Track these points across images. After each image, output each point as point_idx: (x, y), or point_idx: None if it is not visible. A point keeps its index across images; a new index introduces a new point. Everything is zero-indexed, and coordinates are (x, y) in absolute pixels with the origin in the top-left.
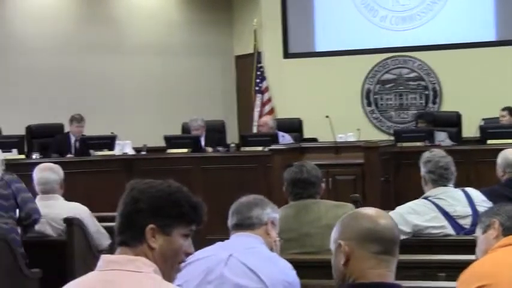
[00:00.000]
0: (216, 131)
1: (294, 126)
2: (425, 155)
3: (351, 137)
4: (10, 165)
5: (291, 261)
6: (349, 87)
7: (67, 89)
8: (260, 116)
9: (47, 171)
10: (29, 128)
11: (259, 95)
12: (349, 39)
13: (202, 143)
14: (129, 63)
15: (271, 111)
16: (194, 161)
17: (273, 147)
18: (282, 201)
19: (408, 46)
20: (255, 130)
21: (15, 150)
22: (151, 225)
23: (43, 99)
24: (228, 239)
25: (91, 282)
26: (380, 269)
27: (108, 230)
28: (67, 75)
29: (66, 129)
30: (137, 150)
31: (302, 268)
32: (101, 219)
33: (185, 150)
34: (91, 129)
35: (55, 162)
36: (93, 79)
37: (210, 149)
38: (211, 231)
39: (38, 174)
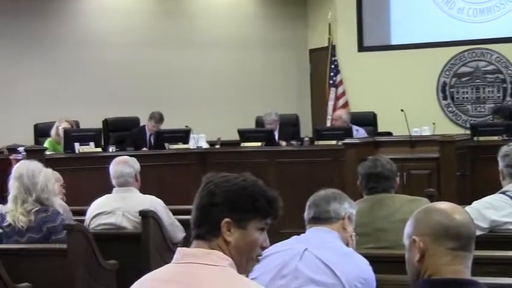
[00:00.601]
0: (289, 125)
1: (368, 120)
2: (504, 149)
3: (426, 131)
4: (87, 158)
5: (365, 256)
6: (425, 81)
7: (142, 83)
8: (334, 109)
9: (122, 165)
10: (105, 122)
11: (333, 89)
12: (425, 32)
13: (276, 136)
14: (203, 58)
15: (345, 105)
16: (268, 155)
17: (347, 141)
18: (355, 196)
19: (486, 38)
20: (328, 124)
21: (92, 144)
22: (226, 219)
23: (119, 94)
24: (301, 232)
25: (169, 274)
26: (455, 265)
27: (183, 222)
28: (143, 69)
29: (142, 122)
30: (211, 143)
31: (376, 263)
32: (175, 212)
33: (259, 143)
34: (166, 123)
35: (131, 156)
36: (168, 73)
37: (283, 143)
38: (284, 224)
39: (114, 167)
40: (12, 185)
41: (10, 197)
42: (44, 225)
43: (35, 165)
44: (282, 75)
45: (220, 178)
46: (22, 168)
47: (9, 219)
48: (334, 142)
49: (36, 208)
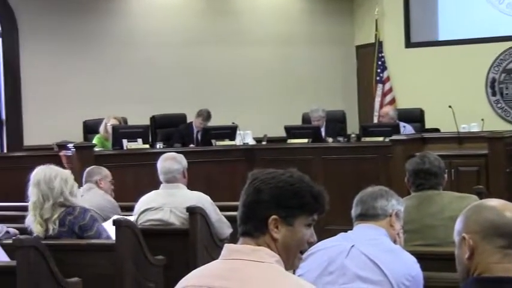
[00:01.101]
0: (336, 121)
1: (415, 117)
2: None
3: (474, 127)
4: (135, 154)
5: (413, 253)
6: (473, 77)
7: (190, 81)
8: (381, 106)
9: (170, 161)
10: (153, 119)
11: (380, 85)
12: (473, 27)
13: (323, 133)
14: (250, 55)
15: (392, 101)
16: (315, 151)
17: (394, 137)
18: (402, 193)
19: None
20: (375, 120)
21: (140, 140)
22: (274, 216)
23: (167, 91)
24: (347, 229)
25: (217, 270)
26: (505, 264)
27: (230, 219)
28: (189, 67)
29: (189, 119)
30: (258, 140)
31: (424, 260)
32: (222, 208)
33: (305, 140)
34: (213, 120)
35: (178, 152)
36: (214, 71)
37: (330, 140)
38: (330, 221)
39: (161, 163)
40: (32, 192)
41: (30, 204)
42: (74, 226)
43: (51, 170)
44: (328, 72)
45: (266, 175)
46: (39, 174)
47: (34, 230)
48: (381, 139)
49: (61, 211)
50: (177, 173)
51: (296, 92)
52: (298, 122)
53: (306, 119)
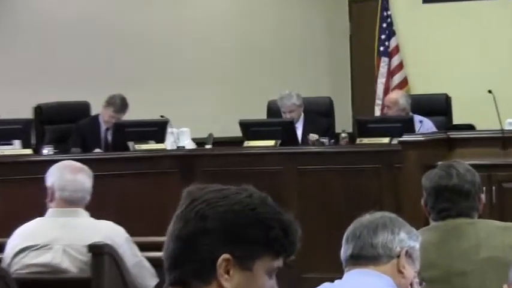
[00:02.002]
0: (319, 114)
1: (438, 107)
2: None
3: None
4: (9, 164)
5: None
6: None
7: (97, 51)
8: (386, 91)
9: (81, 174)
10: (38, 110)
11: (385, 59)
12: None
13: (299, 131)
14: (191, 13)
15: (404, 84)
16: (285, 159)
17: (406, 138)
18: (416, 222)
19: None
20: (378, 112)
21: (17, 142)
22: (225, 256)
23: (56, 67)
24: (335, 278)
25: None
26: None
27: (155, 262)
28: (97, 30)
29: (94, 111)
30: (199, 142)
31: None
32: (143, 247)
33: (271, 142)
34: (131, 111)
35: (77, 160)
36: (135, 36)
37: (311, 140)
38: (310, 266)
39: (69, 175)
40: None
41: None
42: None
43: None
44: (308, 40)
45: (213, 193)
46: None
47: None
48: (386, 140)
49: None
50: (87, 193)
51: (259, 70)
52: (261, 114)
53: (273, 110)
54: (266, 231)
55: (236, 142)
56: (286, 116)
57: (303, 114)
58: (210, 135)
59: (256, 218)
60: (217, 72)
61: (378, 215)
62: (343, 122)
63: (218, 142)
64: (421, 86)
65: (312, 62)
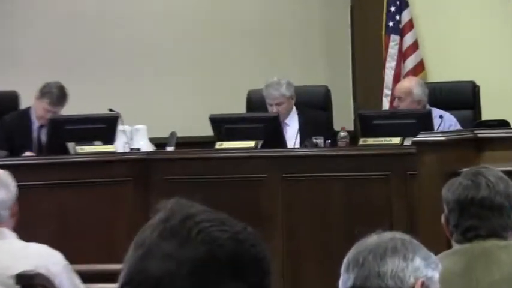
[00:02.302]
0: (312, 107)
1: (463, 98)
2: None
3: None
4: None
5: None
6: None
7: (24, 31)
8: (397, 77)
9: None
10: None
11: (395, 37)
12: None
13: (291, 130)
14: None
15: (419, 69)
16: (269, 165)
17: (422, 137)
18: (436, 244)
19: None
20: (386, 105)
21: None
22: None
23: None
24: None
25: None
26: None
27: None
28: (23, 4)
29: (24, 103)
30: (159, 143)
31: None
32: (88, 277)
33: (251, 143)
34: (70, 104)
35: (1, 167)
36: (74, 14)
37: (310, 144)
38: None
39: None
40: None
41: None
42: None
43: None
44: (297, 14)
45: (207, 213)
46: None
47: None
48: (396, 140)
49: None
50: (3, 209)
51: (236, 53)
52: (239, 108)
53: (254, 102)
54: (263, 269)
55: (206, 143)
56: (273, 110)
57: (294, 109)
58: (173, 134)
59: (256, 254)
60: (182, 56)
61: (386, 236)
62: (342, 118)
63: (183, 143)
64: (441, 72)
65: (303, 41)
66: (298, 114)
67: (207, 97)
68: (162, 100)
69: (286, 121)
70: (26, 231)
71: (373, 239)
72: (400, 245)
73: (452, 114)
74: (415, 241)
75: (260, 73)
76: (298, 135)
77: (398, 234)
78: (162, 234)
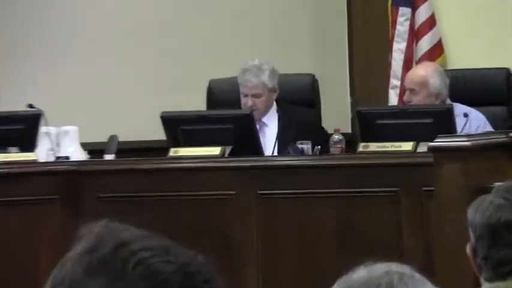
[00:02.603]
0: (297, 102)
1: (494, 90)
2: None
3: None
4: None
5: None
6: None
7: None
8: (408, 63)
9: None
10: None
11: (405, 10)
12: None
13: (265, 131)
14: None
15: (437, 51)
16: (239, 179)
17: (442, 142)
18: (458, 281)
19: None
20: (393, 100)
21: None
22: None
23: None
24: None
25: None
26: None
27: None
28: None
29: None
30: (93, 150)
31: None
32: None
33: (216, 150)
34: None
35: None
36: None
37: (296, 146)
38: None
39: None
40: None
41: None
42: None
43: None
44: None
45: (149, 240)
46: None
47: None
48: (407, 146)
49: None
50: None
51: (201, 35)
52: (198, 103)
53: (216, 95)
54: None
55: (157, 150)
56: (247, 103)
57: (275, 105)
58: (113, 138)
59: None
60: (127, 40)
61: (379, 269)
62: (336, 117)
63: (126, 150)
64: (466, 56)
65: (283, 14)
66: (279, 112)
67: (161, 90)
68: (98, 95)
69: (264, 120)
70: None
71: (362, 274)
72: (397, 280)
73: (480, 111)
74: (417, 275)
75: (226, 60)
76: (279, 139)
77: (394, 267)
78: (88, 269)
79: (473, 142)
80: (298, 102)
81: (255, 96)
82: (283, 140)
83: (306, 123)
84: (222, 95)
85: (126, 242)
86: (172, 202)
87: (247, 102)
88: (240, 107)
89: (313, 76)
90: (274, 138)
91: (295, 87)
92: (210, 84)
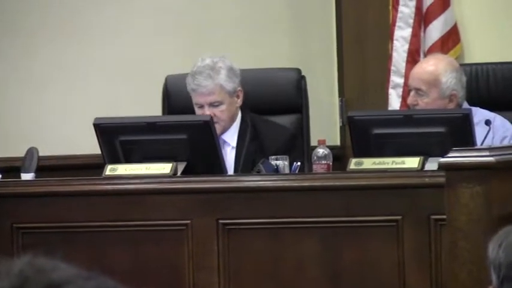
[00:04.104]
0: (275, 106)
1: None
2: None
3: None
4: None
5: None
6: None
7: None
8: (413, 55)
9: None
10: None
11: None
12: None
13: (227, 153)
14: None
15: (451, 40)
16: (196, 204)
17: (456, 157)
18: None
19: None
20: (395, 102)
21: None
22: None
23: None
24: None
25: None
26: None
27: None
28: None
29: None
30: (7, 168)
31: None
32: None
33: (166, 167)
34: None
35: None
36: None
37: (269, 162)
38: None
39: None
40: None
41: None
42: None
43: None
44: None
45: (83, 282)
46: None
47: None
48: (412, 162)
49: None
50: None
51: (151, 21)
52: (152, 106)
53: (175, 97)
54: None
55: (89, 167)
56: (200, 109)
57: (240, 114)
58: (32, 152)
59: None
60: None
61: None
62: (321, 123)
63: (50, 167)
64: (489, 47)
65: (267, 7)
66: (244, 124)
67: (97, 92)
68: (14, 95)
69: (225, 137)
70: None
71: None
72: None
73: (507, 117)
74: None
75: (186, 54)
76: (244, 156)
77: None
78: None
79: (498, 158)
80: (278, 105)
81: (212, 105)
82: (244, 160)
83: (281, 132)
84: (182, 97)
85: (56, 284)
86: (109, 234)
87: (204, 113)
88: None
89: (298, 71)
90: (240, 153)
91: (277, 88)
92: (166, 81)
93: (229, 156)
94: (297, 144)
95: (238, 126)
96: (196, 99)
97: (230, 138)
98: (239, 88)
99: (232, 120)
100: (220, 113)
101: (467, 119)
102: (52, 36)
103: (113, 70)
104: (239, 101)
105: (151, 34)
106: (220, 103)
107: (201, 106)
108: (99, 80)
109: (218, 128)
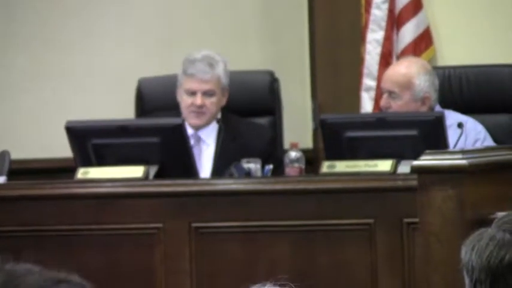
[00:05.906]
0: (247, 109)
1: (499, 92)
2: None
3: None
4: None
5: None
6: None
7: None
8: (386, 57)
9: None
10: None
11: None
12: None
13: (208, 149)
14: None
15: (424, 43)
16: (168, 207)
17: (428, 160)
18: None
19: None
20: (368, 105)
21: None
22: None
23: None
24: None
25: None
26: None
27: None
28: None
29: None
30: None
31: None
32: None
33: (138, 170)
34: None
35: None
36: None
37: (242, 166)
38: None
39: None
40: None
41: None
42: None
43: None
44: None
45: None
46: None
47: None
48: (385, 165)
49: None
50: None
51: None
52: (127, 110)
53: (148, 100)
54: None
55: (62, 171)
56: (196, 102)
57: (220, 114)
58: (3, 155)
59: None
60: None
61: None
62: (293, 127)
63: (22, 170)
64: (461, 49)
65: (233, 9)
66: (220, 124)
67: (69, 96)
68: None
69: (201, 134)
70: None
71: None
72: None
73: (480, 120)
74: None
75: (157, 57)
76: (218, 158)
77: None
78: None
79: (471, 160)
80: (252, 107)
81: (206, 94)
82: (224, 160)
83: (255, 135)
84: (155, 98)
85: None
86: (80, 238)
87: (195, 101)
88: (179, 114)
89: (271, 74)
90: (213, 156)
91: (248, 88)
92: (139, 85)
93: (205, 154)
94: (278, 145)
95: (216, 125)
96: (190, 85)
97: (206, 136)
98: (227, 87)
99: (214, 117)
100: (210, 103)
101: (440, 121)
102: (24, 44)
103: (85, 74)
104: (225, 100)
105: (123, 38)
106: (213, 94)
107: (193, 93)
108: (71, 84)
109: (203, 119)
